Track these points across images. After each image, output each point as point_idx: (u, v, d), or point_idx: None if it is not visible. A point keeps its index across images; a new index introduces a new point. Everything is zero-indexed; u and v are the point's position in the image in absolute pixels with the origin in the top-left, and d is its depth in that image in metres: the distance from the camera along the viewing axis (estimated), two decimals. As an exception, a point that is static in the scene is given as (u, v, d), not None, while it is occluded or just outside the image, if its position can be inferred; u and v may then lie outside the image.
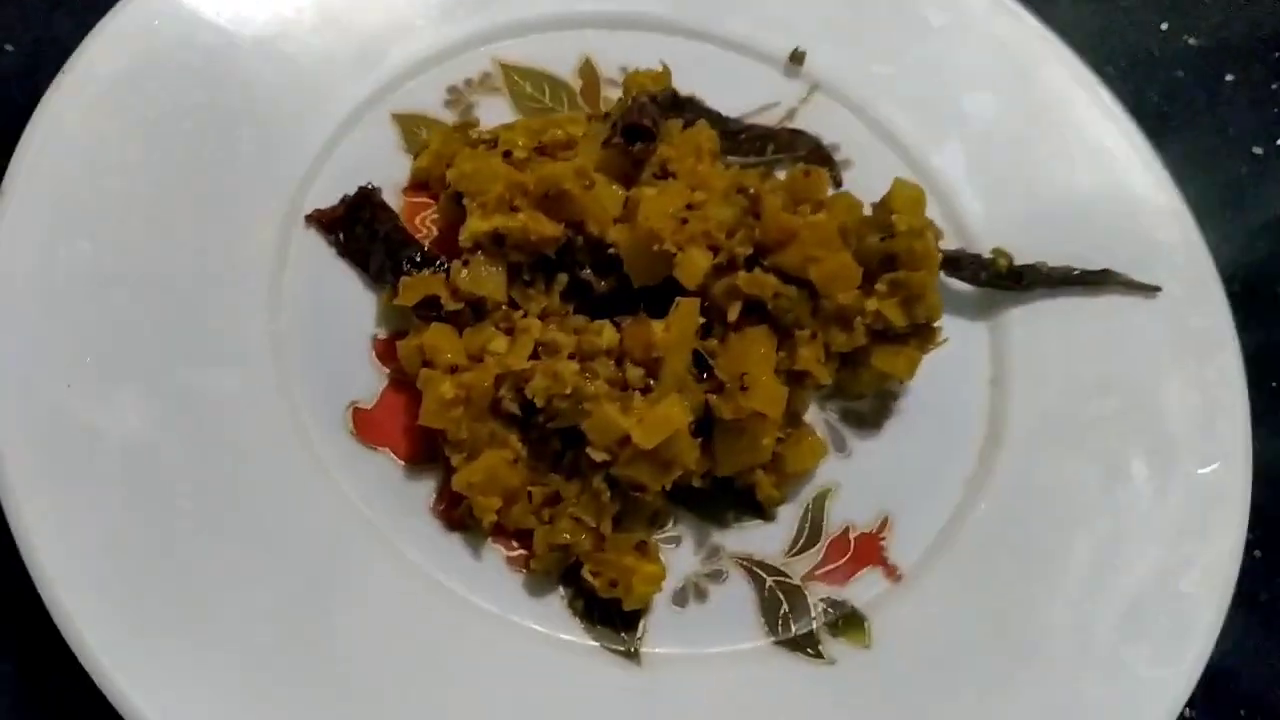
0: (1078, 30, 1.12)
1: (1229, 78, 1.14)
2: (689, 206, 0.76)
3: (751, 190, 0.78)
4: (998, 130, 0.97)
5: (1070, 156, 0.97)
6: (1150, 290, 0.91)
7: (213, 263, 0.79)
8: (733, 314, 0.76)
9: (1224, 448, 0.85)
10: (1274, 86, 1.15)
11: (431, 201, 0.87)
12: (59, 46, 0.86)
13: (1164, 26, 1.17)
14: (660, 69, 0.89)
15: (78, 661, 0.63)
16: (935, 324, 0.83)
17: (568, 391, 0.73)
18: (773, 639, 0.76)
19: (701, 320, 0.76)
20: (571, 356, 0.75)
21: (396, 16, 0.92)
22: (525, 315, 0.78)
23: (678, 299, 0.75)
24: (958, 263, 0.88)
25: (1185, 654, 0.77)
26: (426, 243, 0.85)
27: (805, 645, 0.76)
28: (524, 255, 0.78)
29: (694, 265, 0.74)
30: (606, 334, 0.76)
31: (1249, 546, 0.90)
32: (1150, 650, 0.77)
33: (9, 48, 0.91)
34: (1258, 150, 1.11)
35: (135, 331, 0.74)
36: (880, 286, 0.80)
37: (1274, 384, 0.99)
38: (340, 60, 0.89)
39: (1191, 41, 1.16)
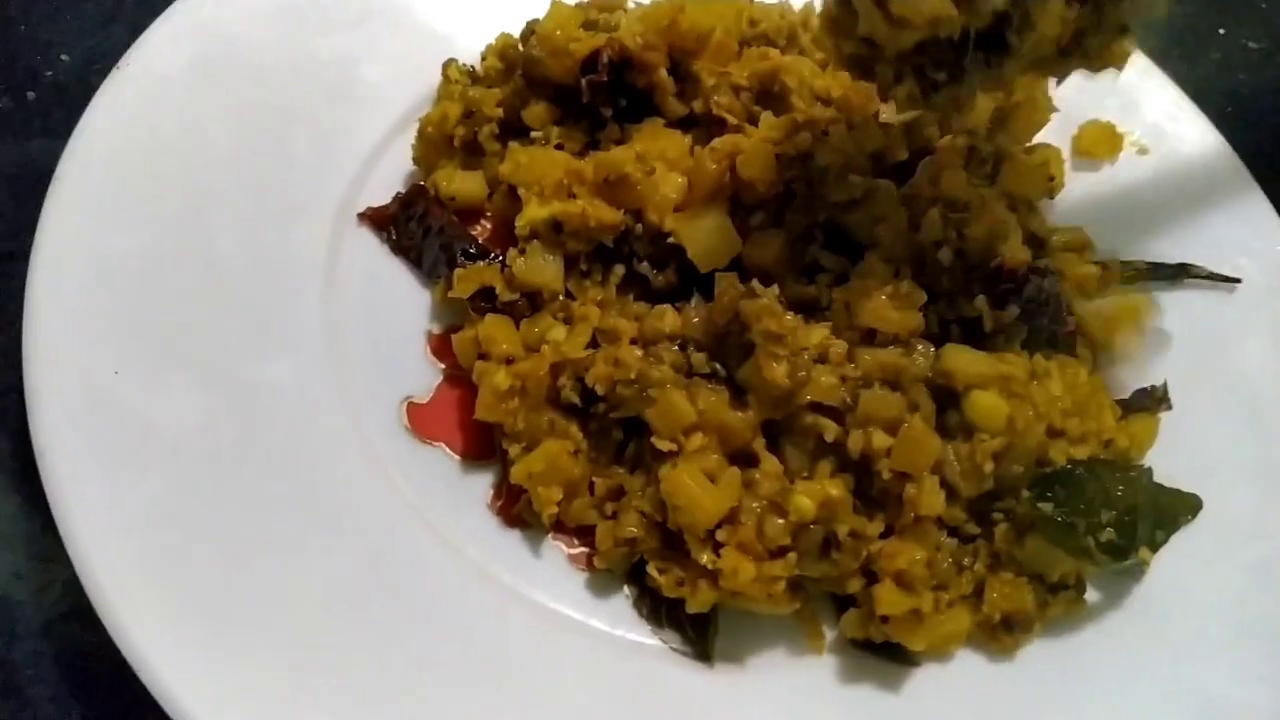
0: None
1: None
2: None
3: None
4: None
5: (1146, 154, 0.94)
6: (1231, 282, 0.87)
7: (266, 257, 0.78)
8: None
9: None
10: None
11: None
12: (114, 56, 0.87)
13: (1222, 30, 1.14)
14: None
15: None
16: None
17: (632, 377, 0.70)
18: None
19: None
20: (633, 342, 0.72)
21: (454, 22, 0.91)
22: (583, 304, 0.76)
23: None
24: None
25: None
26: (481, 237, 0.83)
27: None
28: (582, 244, 0.76)
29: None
30: (669, 318, 0.73)
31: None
32: (1266, 647, 0.72)
33: (64, 57, 0.91)
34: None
35: (187, 321, 0.73)
36: None
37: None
38: (396, 64, 0.88)
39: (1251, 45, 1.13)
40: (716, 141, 0.75)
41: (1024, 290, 0.73)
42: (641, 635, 0.70)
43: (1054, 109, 0.87)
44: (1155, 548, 0.71)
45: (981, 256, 0.73)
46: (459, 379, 0.77)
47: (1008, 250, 0.72)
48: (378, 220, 0.83)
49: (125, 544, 0.63)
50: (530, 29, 0.84)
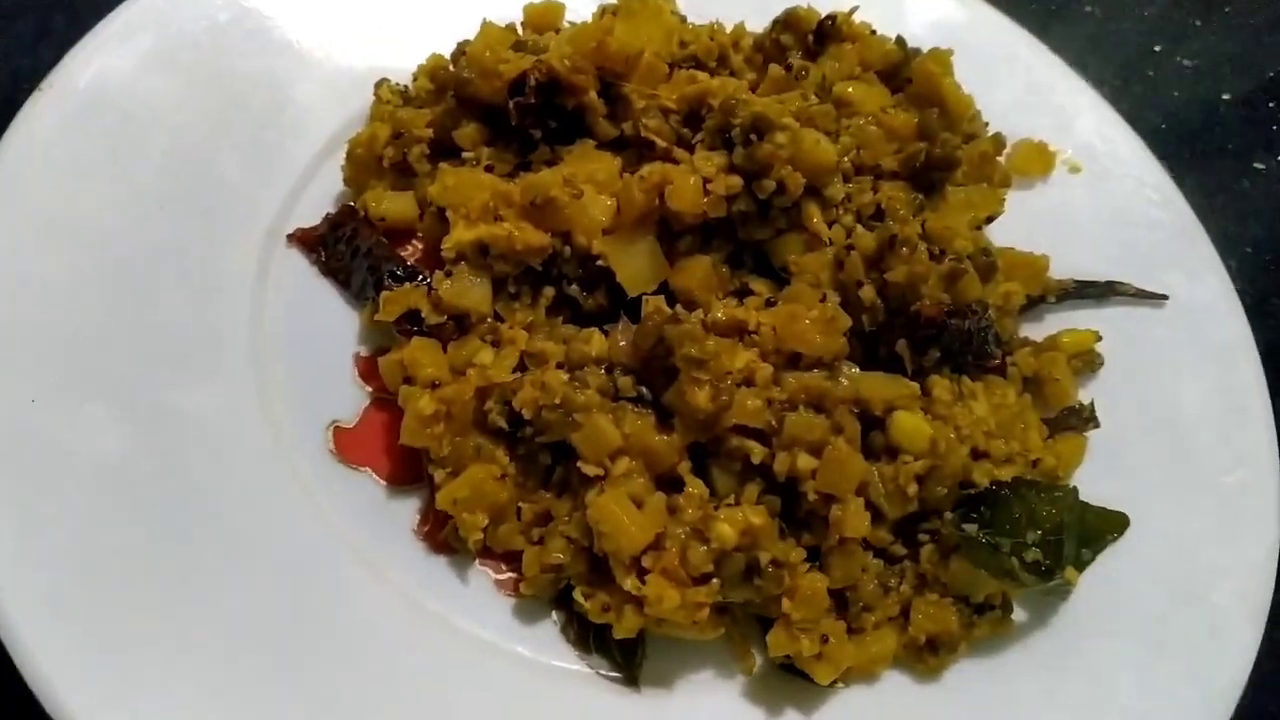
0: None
1: (1225, 96, 1.13)
2: None
3: None
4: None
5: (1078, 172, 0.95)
6: (1159, 299, 0.88)
7: (192, 280, 0.77)
8: None
9: (1248, 454, 0.81)
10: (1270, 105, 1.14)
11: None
12: (43, 77, 0.85)
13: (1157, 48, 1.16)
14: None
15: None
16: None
17: (557, 401, 0.69)
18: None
19: None
20: (560, 366, 0.72)
21: (386, 42, 0.91)
22: (511, 327, 0.75)
23: None
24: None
25: (1221, 667, 0.72)
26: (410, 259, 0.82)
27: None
28: (509, 266, 0.75)
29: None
30: (596, 342, 0.73)
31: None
32: (1184, 666, 0.72)
33: (-8, 75, 0.89)
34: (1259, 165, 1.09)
35: (109, 347, 0.71)
36: None
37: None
38: (327, 85, 0.88)
39: (1185, 63, 1.15)
40: (645, 169, 0.75)
41: (943, 336, 0.73)
42: (568, 661, 0.70)
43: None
44: (1082, 567, 0.71)
45: (901, 301, 0.73)
46: (386, 403, 0.76)
47: (927, 296, 0.72)
48: (307, 241, 0.82)
49: (40, 579, 0.62)
50: (461, 50, 0.84)
